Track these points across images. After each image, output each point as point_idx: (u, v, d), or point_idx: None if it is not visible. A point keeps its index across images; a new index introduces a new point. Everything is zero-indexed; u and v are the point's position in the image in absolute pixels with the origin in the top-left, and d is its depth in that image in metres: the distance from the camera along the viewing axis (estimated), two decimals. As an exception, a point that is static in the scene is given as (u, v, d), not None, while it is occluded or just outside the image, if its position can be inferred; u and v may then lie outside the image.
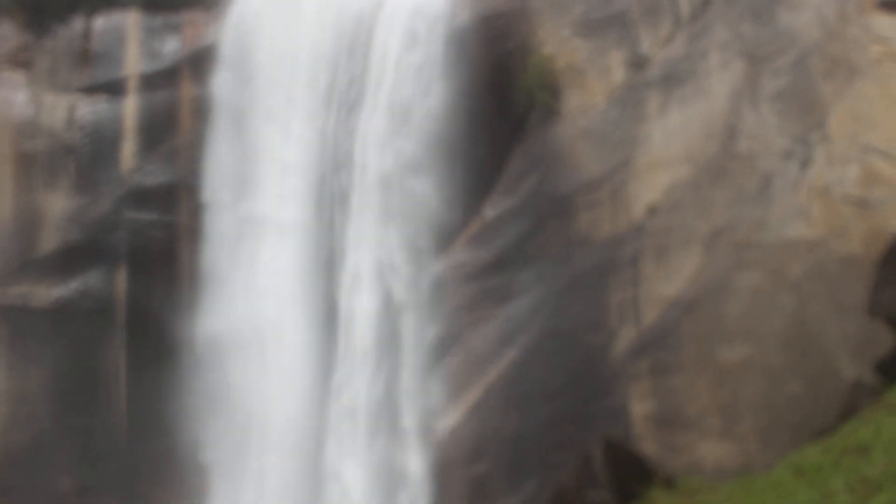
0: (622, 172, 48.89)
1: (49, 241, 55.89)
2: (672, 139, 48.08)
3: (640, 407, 45.97)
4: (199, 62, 56.56)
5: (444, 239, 51.63)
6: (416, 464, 50.32)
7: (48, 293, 55.29)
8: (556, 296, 49.04)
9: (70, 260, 55.74)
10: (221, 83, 56.02)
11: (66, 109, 57.17)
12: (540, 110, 50.59)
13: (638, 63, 49.73)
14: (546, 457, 47.81)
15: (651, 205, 48.16)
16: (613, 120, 49.42)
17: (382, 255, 51.95)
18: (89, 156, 56.69)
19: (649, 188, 48.37)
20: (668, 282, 46.92)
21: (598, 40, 50.98)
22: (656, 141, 48.65)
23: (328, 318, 52.69)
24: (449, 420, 50.07)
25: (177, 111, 56.82)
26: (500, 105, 51.91)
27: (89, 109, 57.09)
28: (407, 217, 51.86)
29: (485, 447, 49.20)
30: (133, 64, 57.51)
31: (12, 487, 53.64)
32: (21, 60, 57.98)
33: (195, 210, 55.52)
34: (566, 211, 49.57)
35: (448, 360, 50.68)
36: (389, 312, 51.71)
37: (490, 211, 51.06)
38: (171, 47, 57.63)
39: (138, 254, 55.82)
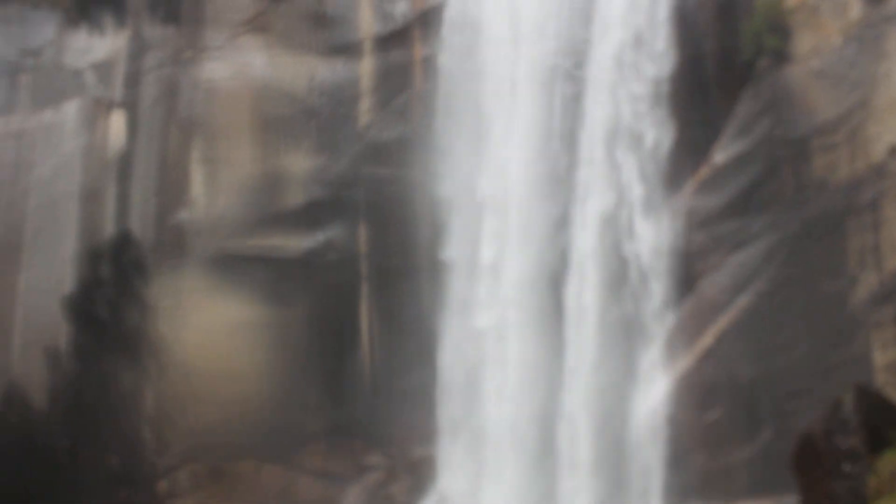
0: (860, 113, 47.29)
1: (295, 197, 59.13)
2: (915, 77, 46.27)
3: (882, 356, 44.93)
4: (428, 22, 57.97)
5: (675, 186, 51.29)
6: (645, 409, 50.82)
7: (298, 245, 58.70)
8: (790, 242, 48.33)
9: (315, 215, 58.88)
10: (448, 43, 57.17)
11: (304, 72, 60.03)
12: (769, 54, 49.41)
13: (875, -3, 47.86)
14: (783, 405, 47.56)
15: (893, 145, 46.37)
16: (850, 59, 47.68)
17: (612, 203, 52.17)
18: (328, 116, 59.44)
19: (891, 128, 46.55)
20: (912, 226, 45.53)
21: (832, -27, 49.28)
22: (897, 79, 46.94)
23: (558, 262, 53.41)
24: (681, 366, 50.40)
25: (409, 70, 58.63)
26: (727, 49, 50.99)
27: (328, 72, 59.79)
28: (637, 165, 51.80)
29: (718, 394, 49.34)
30: (367, 26, 59.72)
31: (269, 428, 57.86)
32: (259, 25, 61.12)
33: (429, 166, 57.17)
34: (800, 155, 48.50)
35: (680, 307, 50.79)
36: (619, 258, 52.01)
37: (720, 156, 50.48)
38: (402, 8, 59.21)
39: (376, 208, 58.34)
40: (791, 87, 49.23)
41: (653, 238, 51.47)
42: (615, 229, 51.86)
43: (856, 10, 48.30)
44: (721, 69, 51.44)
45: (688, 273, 50.91)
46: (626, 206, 51.86)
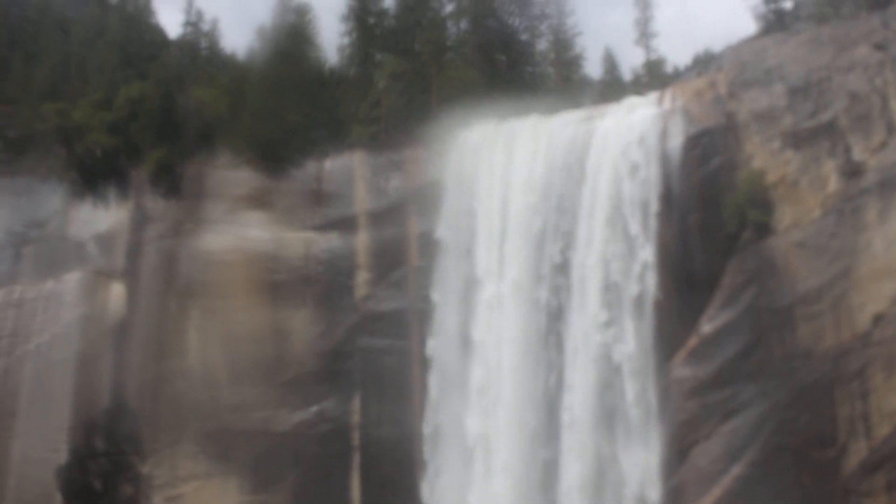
0: (843, 283, 48.30)
1: (290, 366, 59.62)
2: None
3: (876, 525, 44.58)
4: (423, 197, 59.71)
5: (664, 354, 51.69)
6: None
7: (289, 418, 58.90)
8: (780, 410, 48.51)
9: (309, 385, 59.23)
10: (444, 216, 58.71)
11: (301, 243, 61.49)
12: (752, 226, 50.74)
13: (852, 171, 49.37)
14: (779, 578, 46.71)
15: (877, 314, 47.32)
16: (830, 230, 49.05)
17: (601, 370, 52.53)
18: (326, 285, 60.49)
19: (874, 298, 47.58)
20: (900, 394, 45.69)
21: (811, 150, 50.97)
22: (878, 249, 47.92)
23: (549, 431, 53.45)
24: (676, 538, 49.63)
25: (404, 244, 59.96)
26: (711, 222, 52.27)
27: (324, 243, 61.25)
28: (624, 335, 52.38)
29: (715, 567, 48.51)
30: (361, 201, 61.51)
31: None
32: (261, 202, 63.02)
33: (424, 336, 57.79)
34: (786, 324, 49.20)
35: (673, 478, 50.39)
36: (610, 427, 51.94)
37: (707, 326, 51.08)
38: (396, 184, 61.34)
39: (371, 379, 58.65)
40: (774, 258, 50.29)
41: (644, 407, 51.56)
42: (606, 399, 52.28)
43: (834, 184, 49.86)
44: (706, 241, 52.46)
45: (680, 442, 50.70)
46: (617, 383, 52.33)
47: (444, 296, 57.89)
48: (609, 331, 52.34)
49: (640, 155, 54.35)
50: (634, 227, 53.30)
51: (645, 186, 53.87)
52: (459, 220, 58.39)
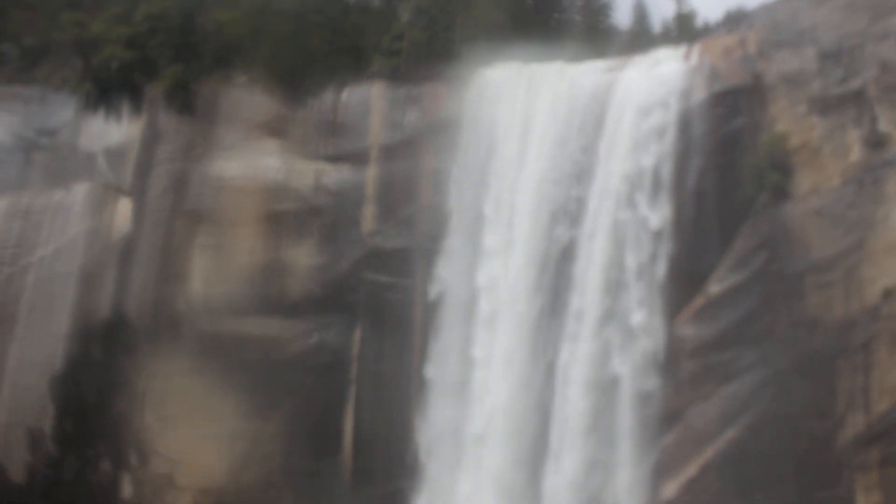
0: (857, 254, 47.73)
1: (293, 295, 59.31)
2: (912, 220, 46.81)
3: (866, 499, 44.44)
4: (438, 133, 58.92)
5: (669, 312, 51.28)
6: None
7: (289, 347, 58.82)
8: (781, 377, 48.24)
9: (310, 315, 59.02)
10: (460, 154, 58.12)
11: (312, 173, 61.02)
12: (769, 190, 50.03)
13: (876, 142, 48.53)
14: (765, 543, 46.80)
15: (888, 289, 46.74)
16: (849, 200, 48.39)
17: (605, 323, 52.30)
18: (333, 217, 60.10)
19: (886, 272, 46.98)
20: (903, 370, 45.37)
21: (836, 118, 50.15)
22: (895, 223, 47.30)
23: (546, 378, 53.32)
24: (664, 494, 49.58)
25: (416, 180, 59.27)
26: (728, 182, 51.58)
27: (335, 176, 60.76)
28: (631, 287, 51.99)
29: (700, 527, 48.60)
30: (376, 134, 60.88)
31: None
32: (276, 129, 62.36)
33: (429, 275, 57.50)
34: (795, 291, 48.75)
35: (667, 435, 50.32)
36: (607, 379, 51.77)
37: (715, 287, 50.65)
38: (412, 118, 60.43)
39: (373, 313, 58.43)
40: (789, 224, 49.71)
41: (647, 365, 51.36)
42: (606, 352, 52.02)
43: (856, 153, 49.11)
44: (721, 202, 51.81)
45: (677, 401, 50.51)
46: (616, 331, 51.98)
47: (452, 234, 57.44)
48: None
49: (660, 109, 53.57)
50: (649, 181, 52.75)
51: (663, 142, 53.08)
52: (475, 158, 57.62)
